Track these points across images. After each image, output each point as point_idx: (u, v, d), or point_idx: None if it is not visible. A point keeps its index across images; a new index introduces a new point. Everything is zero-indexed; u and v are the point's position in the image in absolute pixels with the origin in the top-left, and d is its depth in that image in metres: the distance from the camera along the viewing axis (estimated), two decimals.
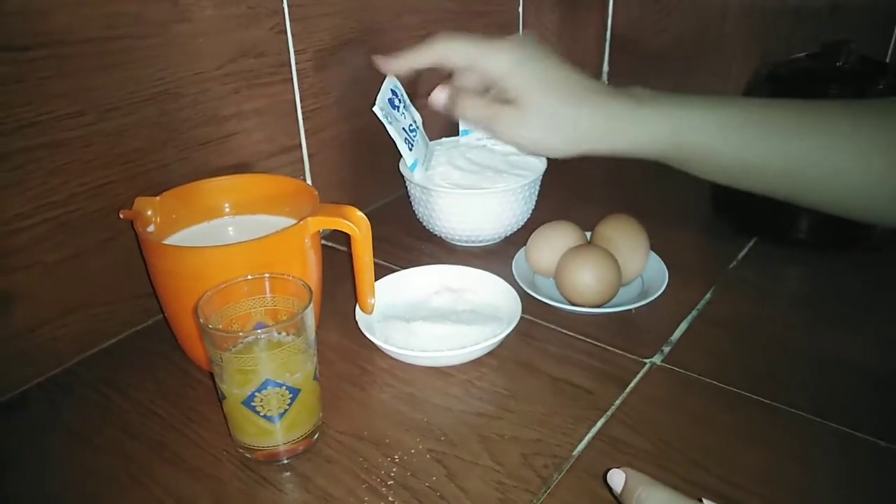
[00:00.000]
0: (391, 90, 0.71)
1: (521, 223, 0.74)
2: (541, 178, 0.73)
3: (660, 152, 0.50)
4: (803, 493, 0.44)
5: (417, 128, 0.74)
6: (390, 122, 0.67)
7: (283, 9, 0.67)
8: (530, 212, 0.74)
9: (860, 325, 0.60)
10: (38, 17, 0.50)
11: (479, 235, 0.73)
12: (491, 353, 0.57)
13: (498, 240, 0.75)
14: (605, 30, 1.31)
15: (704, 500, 0.36)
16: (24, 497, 0.46)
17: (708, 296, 0.64)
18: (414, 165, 0.72)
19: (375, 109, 0.66)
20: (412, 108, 0.75)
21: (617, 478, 0.38)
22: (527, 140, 0.52)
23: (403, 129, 0.70)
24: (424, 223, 0.75)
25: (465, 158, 0.75)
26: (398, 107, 0.71)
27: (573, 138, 0.51)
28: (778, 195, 0.50)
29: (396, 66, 0.58)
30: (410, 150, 0.70)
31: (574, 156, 0.52)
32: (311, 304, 0.45)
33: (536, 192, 0.74)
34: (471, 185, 0.71)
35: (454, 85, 0.56)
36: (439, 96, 0.57)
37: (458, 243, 0.75)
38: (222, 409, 0.47)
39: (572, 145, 0.51)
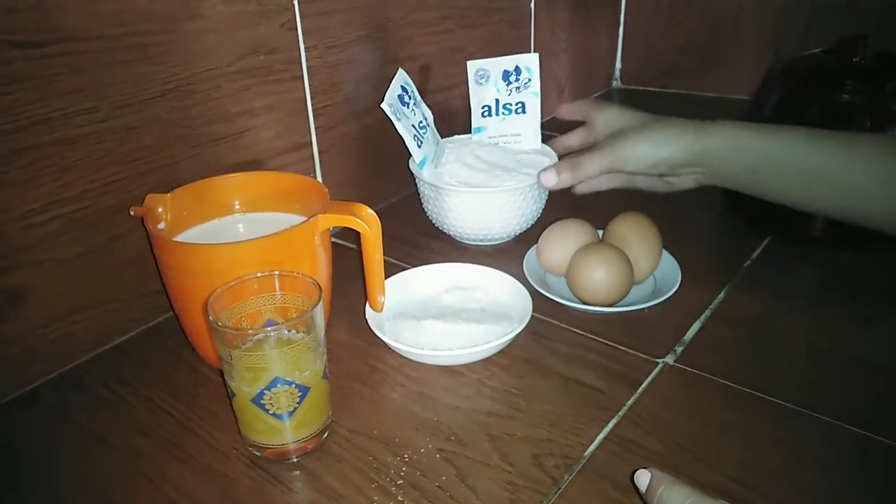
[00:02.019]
0: (401, 86, 0.71)
1: (532, 222, 0.74)
2: None
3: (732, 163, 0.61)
4: (818, 496, 0.43)
5: (427, 125, 0.73)
6: (399, 119, 0.67)
7: (293, 5, 0.67)
8: (540, 211, 0.74)
9: (877, 325, 0.59)
10: (51, 13, 0.50)
11: (487, 234, 0.72)
12: (502, 352, 0.57)
13: (507, 239, 0.74)
14: (618, 26, 1.30)
15: (721, 501, 0.36)
16: (34, 493, 0.46)
17: (721, 295, 0.64)
18: (423, 163, 0.71)
19: (384, 106, 0.66)
20: (423, 105, 0.74)
21: (643, 478, 0.39)
22: (645, 150, 0.63)
23: (413, 125, 0.70)
24: (434, 222, 0.75)
25: (475, 156, 0.75)
26: (408, 103, 0.71)
27: (676, 145, 0.61)
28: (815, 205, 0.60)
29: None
30: (419, 147, 0.70)
31: (676, 162, 0.62)
32: (321, 302, 0.45)
33: (547, 191, 0.73)
34: (481, 183, 0.71)
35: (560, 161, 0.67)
36: (549, 179, 0.66)
37: (468, 242, 0.75)
38: (232, 406, 0.47)
39: (676, 152, 0.62)
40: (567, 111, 0.73)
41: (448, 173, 0.73)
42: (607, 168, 0.65)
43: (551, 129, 0.79)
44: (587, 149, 0.66)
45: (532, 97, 0.75)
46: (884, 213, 0.56)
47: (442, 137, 0.78)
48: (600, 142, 0.67)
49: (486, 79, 0.77)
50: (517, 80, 0.75)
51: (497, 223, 0.71)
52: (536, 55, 0.75)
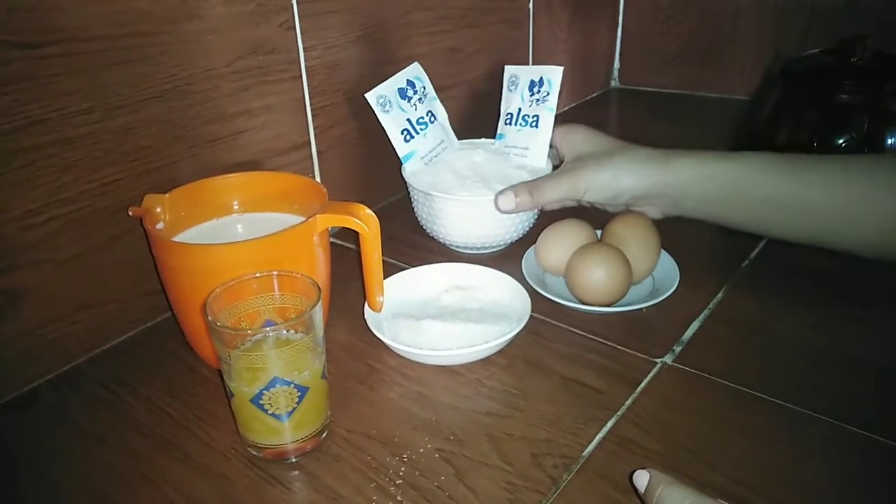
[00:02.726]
0: (408, 80, 0.71)
1: (517, 235, 0.72)
2: None
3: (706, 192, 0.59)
4: (818, 495, 0.43)
5: (430, 122, 0.73)
6: (387, 111, 0.67)
7: (292, 5, 0.67)
8: (528, 227, 0.72)
9: (876, 325, 0.59)
10: (49, 14, 0.50)
11: (476, 243, 0.71)
12: (500, 352, 0.57)
13: (499, 248, 0.73)
14: (617, 27, 1.30)
15: (720, 502, 0.36)
16: (32, 493, 0.46)
17: (720, 295, 0.64)
18: (407, 157, 0.71)
19: (368, 95, 0.66)
20: (436, 102, 0.74)
21: (641, 478, 0.39)
22: (606, 180, 0.61)
23: (408, 119, 0.70)
24: (427, 230, 0.74)
25: (471, 163, 0.74)
26: (410, 97, 0.71)
27: (639, 175, 0.60)
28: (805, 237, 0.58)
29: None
30: (406, 141, 0.70)
31: (636, 193, 0.61)
32: (320, 302, 0.45)
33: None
34: (474, 191, 0.69)
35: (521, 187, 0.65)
36: (506, 203, 0.65)
37: (461, 250, 0.74)
38: (230, 407, 0.47)
39: (637, 182, 0.60)
40: None
41: (434, 177, 0.72)
42: (566, 195, 0.64)
43: None
44: (550, 173, 0.66)
45: (547, 112, 0.72)
46: (858, 239, 0.55)
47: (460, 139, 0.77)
48: (562, 166, 0.66)
49: (515, 86, 0.75)
50: (539, 91, 0.73)
51: (486, 232, 0.70)
52: (560, 69, 0.72)
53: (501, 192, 0.65)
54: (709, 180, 0.58)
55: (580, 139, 0.66)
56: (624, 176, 0.61)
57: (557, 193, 0.64)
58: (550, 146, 0.71)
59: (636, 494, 0.40)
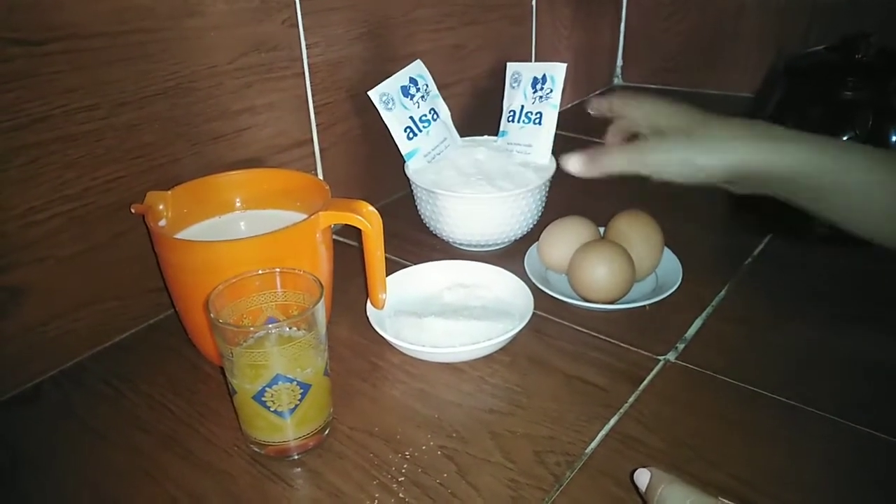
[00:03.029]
0: (411, 78, 0.71)
1: (528, 229, 0.72)
2: (547, 184, 0.71)
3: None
4: (821, 493, 0.43)
5: (433, 120, 0.73)
6: (390, 109, 0.67)
7: (294, 2, 0.67)
8: (537, 218, 0.72)
9: (880, 322, 0.59)
10: (51, 11, 0.50)
11: (479, 241, 0.71)
12: (503, 350, 0.57)
13: (502, 245, 0.73)
14: (620, 23, 1.30)
15: (721, 500, 0.36)
16: (35, 490, 0.46)
17: (723, 292, 0.64)
18: (410, 155, 0.71)
19: (371, 93, 0.66)
20: (438, 100, 0.74)
21: (642, 477, 0.39)
22: (674, 160, 0.55)
23: (411, 117, 0.70)
24: (430, 227, 0.74)
25: (474, 160, 0.74)
26: (413, 95, 0.71)
27: (711, 155, 0.54)
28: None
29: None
30: (409, 139, 0.70)
31: (714, 174, 0.55)
32: (322, 299, 0.44)
33: (544, 198, 0.72)
34: (477, 189, 0.69)
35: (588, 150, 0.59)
36: (573, 162, 0.59)
37: (464, 248, 0.74)
38: (233, 404, 0.47)
39: (711, 161, 0.54)
40: (596, 107, 0.64)
41: (437, 174, 0.72)
42: (630, 171, 0.58)
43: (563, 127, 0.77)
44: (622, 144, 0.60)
45: (550, 109, 0.72)
46: None
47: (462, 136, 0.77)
48: (637, 142, 0.60)
49: (518, 83, 0.75)
50: (542, 88, 0.73)
51: (490, 229, 0.70)
52: (563, 66, 0.72)
53: (571, 154, 0.59)
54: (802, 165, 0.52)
55: (661, 111, 0.60)
56: (697, 164, 0.55)
57: (621, 167, 0.58)
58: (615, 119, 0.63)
59: (637, 493, 0.39)
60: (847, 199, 0.53)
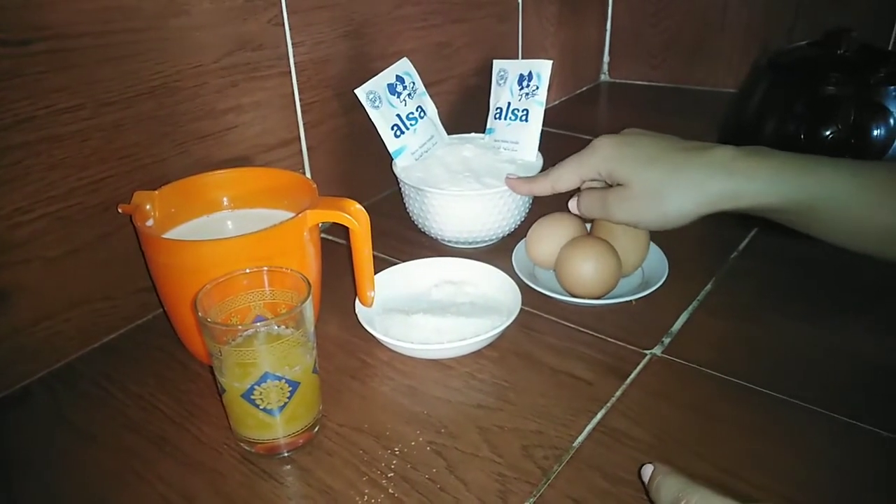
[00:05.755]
0: (398, 75, 0.71)
1: (515, 225, 0.72)
2: None
3: (782, 208, 0.52)
4: (805, 483, 0.44)
5: (419, 118, 0.73)
6: (377, 107, 0.67)
7: (280, 1, 0.67)
8: (524, 214, 0.72)
9: (865, 315, 0.60)
10: (37, 11, 0.50)
11: (467, 238, 0.71)
12: (491, 346, 0.57)
13: (490, 242, 0.73)
14: (606, 20, 1.30)
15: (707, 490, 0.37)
16: (25, 491, 0.46)
17: (709, 286, 0.64)
18: (398, 152, 0.72)
19: (358, 91, 0.66)
20: (425, 97, 0.74)
21: (646, 471, 0.41)
22: (636, 214, 0.56)
23: (398, 115, 0.70)
24: (418, 225, 0.74)
25: (461, 158, 0.74)
26: (399, 93, 0.71)
27: (692, 203, 0.53)
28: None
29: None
30: (397, 137, 0.70)
31: (696, 217, 0.54)
32: (310, 297, 0.45)
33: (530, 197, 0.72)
34: (465, 186, 0.69)
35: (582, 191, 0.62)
36: (571, 205, 0.63)
37: (452, 245, 0.74)
38: (222, 402, 0.47)
39: (693, 209, 0.53)
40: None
41: (424, 172, 0.72)
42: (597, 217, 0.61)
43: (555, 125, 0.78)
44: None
45: (536, 106, 0.72)
46: None
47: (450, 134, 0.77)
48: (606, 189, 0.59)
49: (504, 80, 0.75)
50: (528, 85, 0.73)
51: (478, 226, 0.70)
52: (549, 63, 0.72)
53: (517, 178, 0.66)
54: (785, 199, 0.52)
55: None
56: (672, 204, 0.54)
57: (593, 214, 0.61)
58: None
59: (643, 489, 0.41)
60: (840, 225, 0.51)
